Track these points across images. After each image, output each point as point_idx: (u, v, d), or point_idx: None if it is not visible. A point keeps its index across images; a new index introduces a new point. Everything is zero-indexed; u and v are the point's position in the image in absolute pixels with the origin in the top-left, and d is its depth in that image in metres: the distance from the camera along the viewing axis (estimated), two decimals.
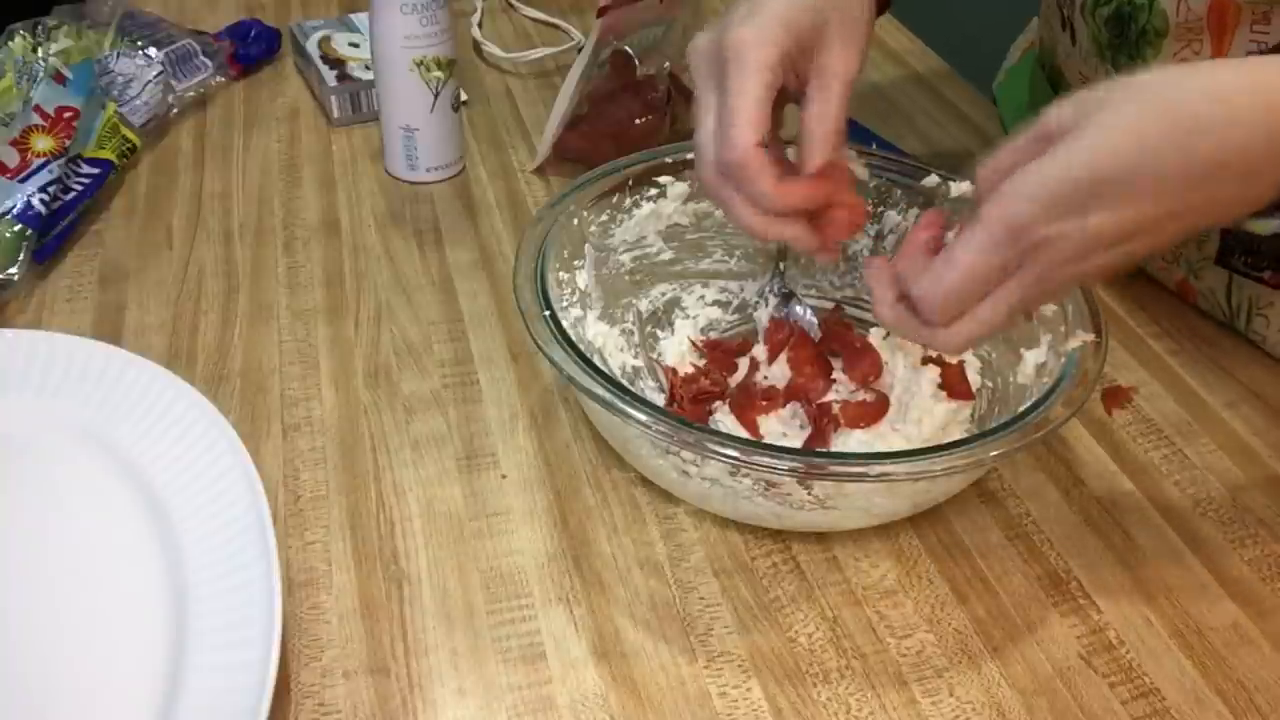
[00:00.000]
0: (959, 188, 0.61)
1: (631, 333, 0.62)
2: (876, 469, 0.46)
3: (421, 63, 0.74)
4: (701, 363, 0.61)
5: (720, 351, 0.62)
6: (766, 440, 0.55)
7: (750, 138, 0.49)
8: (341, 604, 0.50)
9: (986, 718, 0.47)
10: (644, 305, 0.64)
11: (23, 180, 0.70)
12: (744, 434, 0.55)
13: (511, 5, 1.06)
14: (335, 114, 0.85)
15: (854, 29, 0.52)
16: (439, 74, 0.75)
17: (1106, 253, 0.43)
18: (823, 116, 0.51)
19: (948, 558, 0.54)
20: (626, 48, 0.79)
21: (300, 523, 0.54)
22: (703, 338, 0.64)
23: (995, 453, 0.47)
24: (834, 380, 0.59)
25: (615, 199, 0.62)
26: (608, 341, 0.59)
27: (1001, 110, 0.87)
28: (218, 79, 0.89)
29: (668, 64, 0.81)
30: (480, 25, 1.01)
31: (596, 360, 0.53)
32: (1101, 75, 0.64)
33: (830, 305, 0.66)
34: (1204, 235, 0.66)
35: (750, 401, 0.57)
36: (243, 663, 0.44)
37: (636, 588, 0.52)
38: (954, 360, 0.58)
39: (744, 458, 0.46)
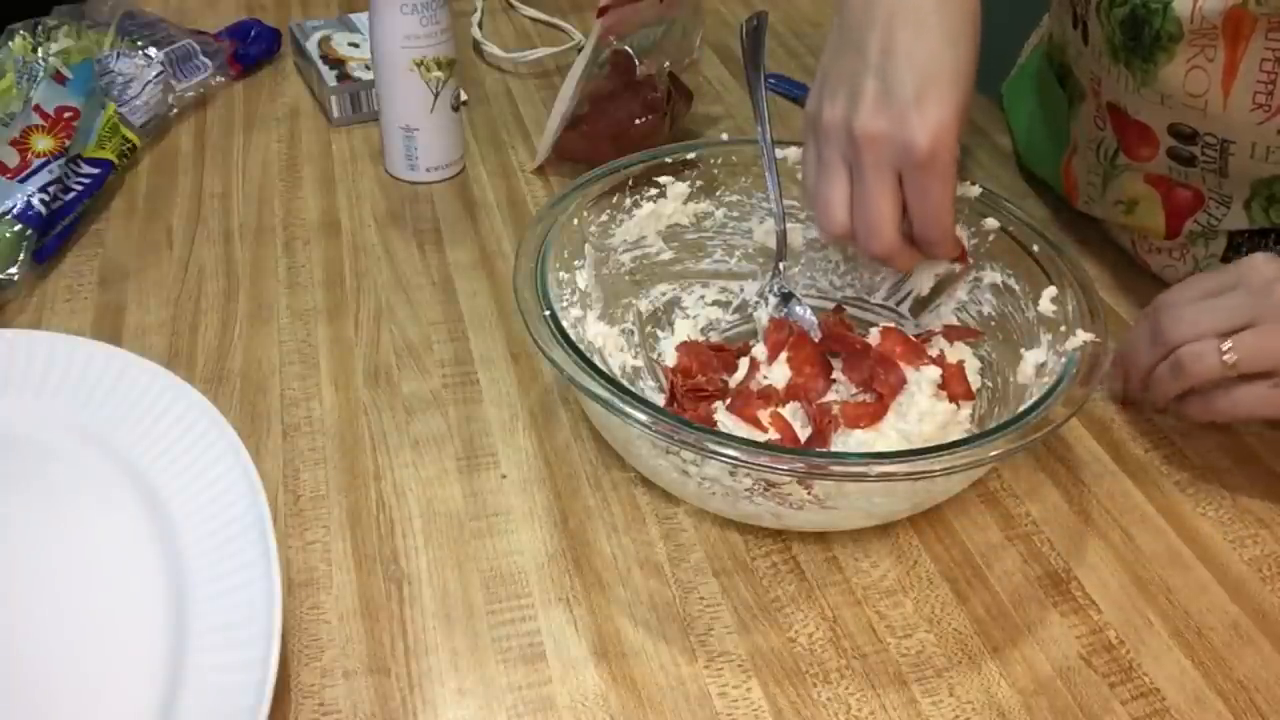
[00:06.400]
0: (960, 189, 0.61)
1: (631, 333, 0.62)
2: (876, 469, 0.46)
3: (421, 63, 0.74)
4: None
5: (715, 352, 0.62)
6: (770, 433, 0.55)
7: (895, 240, 0.55)
8: (341, 604, 0.50)
9: (986, 718, 0.47)
10: (644, 305, 0.64)
11: (23, 180, 0.70)
12: (745, 433, 0.55)
13: (511, 5, 1.06)
14: (335, 114, 0.85)
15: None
16: (439, 74, 0.75)
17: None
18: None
19: (948, 558, 0.54)
20: (626, 48, 0.79)
21: (300, 523, 0.54)
22: (702, 338, 0.64)
23: (995, 453, 0.47)
24: (834, 380, 0.59)
25: (615, 199, 0.62)
26: (608, 341, 0.59)
27: (1008, 109, 0.87)
28: (218, 79, 0.89)
29: (668, 64, 0.81)
30: (480, 25, 1.01)
31: (596, 360, 0.53)
32: (1113, 76, 0.64)
33: (830, 305, 0.66)
34: (1211, 234, 0.66)
35: (748, 402, 0.57)
36: (243, 663, 0.44)
37: (636, 588, 0.52)
38: (955, 360, 0.58)
39: (744, 458, 0.46)
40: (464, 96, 0.87)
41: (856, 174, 0.55)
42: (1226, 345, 0.52)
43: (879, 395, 0.57)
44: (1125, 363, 0.59)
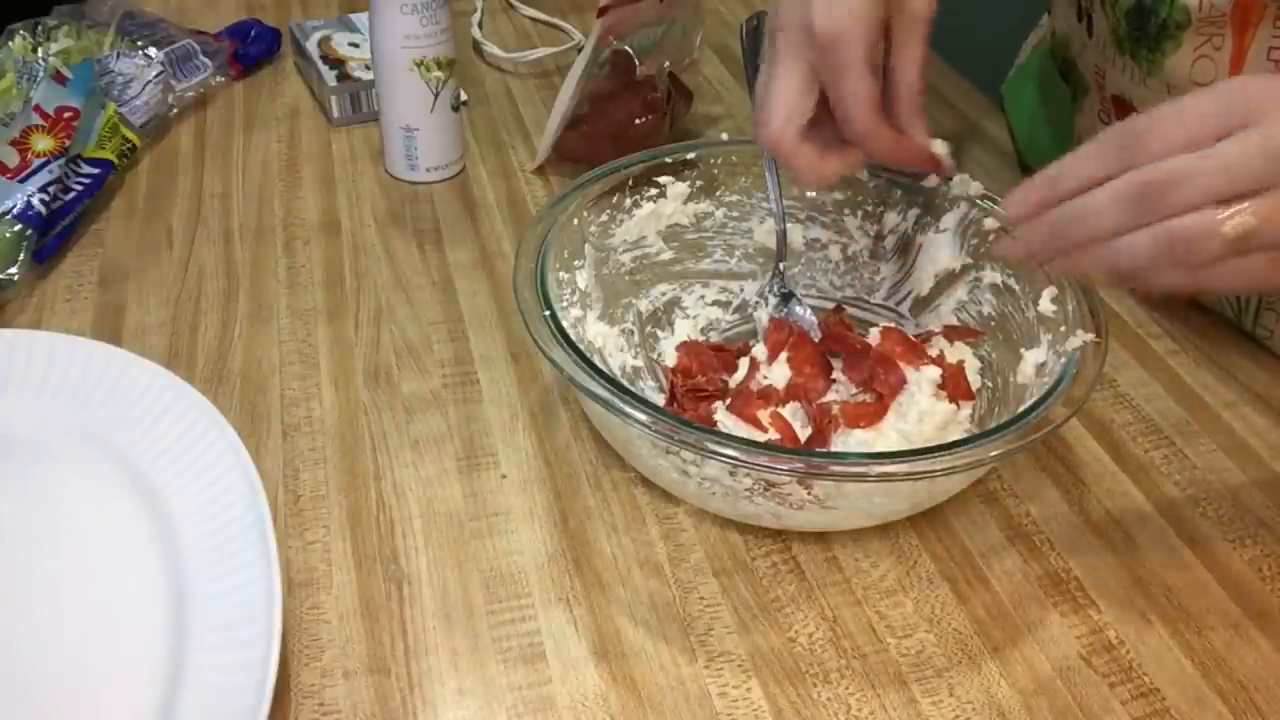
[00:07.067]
0: (959, 187, 0.61)
1: (631, 333, 0.62)
2: (876, 469, 0.46)
3: (421, 63, 0.74)
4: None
5: (715, 352, 0.62)
6: (770, 433, 0.55)
7: (778, 127, 0.52)
8: (341, 604, 0.50)
9: (986, 718, 0.47)
10: (644, 305, 0.64)
11: (23, 180, 0.70)
12: (745, 433, 0.55)
13: (511, 5, 1.06)
14: (335, 114, 0.85)
15: None
16: (439, 74, 0.75)
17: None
18: (911, 62, 0.53)
19: (948, 558, 0.54)
20: (626, 48, 0.79)
21: (300, 523, 0.54)
22: (702, 338, 0.64)
23: (995, 453, 0.47)
24: (834, 380, 0.59)
25: (615, 199, 0.62)
26: (608, 341, 0.59)
27: (1008, 109, 0.87)
28: (218, 79, 0.89)
29: (668, 64, 0.81)
30: (480, 25, 1.01)
31: (596, 360, 0.53)
32: (1118, 68, 0.64)
33: (830, 305, 0.66)
34: None
35: (748, 402, 0.57)
36: (243, 663, 0.44)
37: (636, 588, 0.52)
38: (955, 360, 0.58)
39: (744, 458, 0.46)
40: (464, 96, 0.87)
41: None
42: (1230, 213, 0.40)
43: (879, 395, 0.57)
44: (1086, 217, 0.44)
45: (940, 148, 0.57)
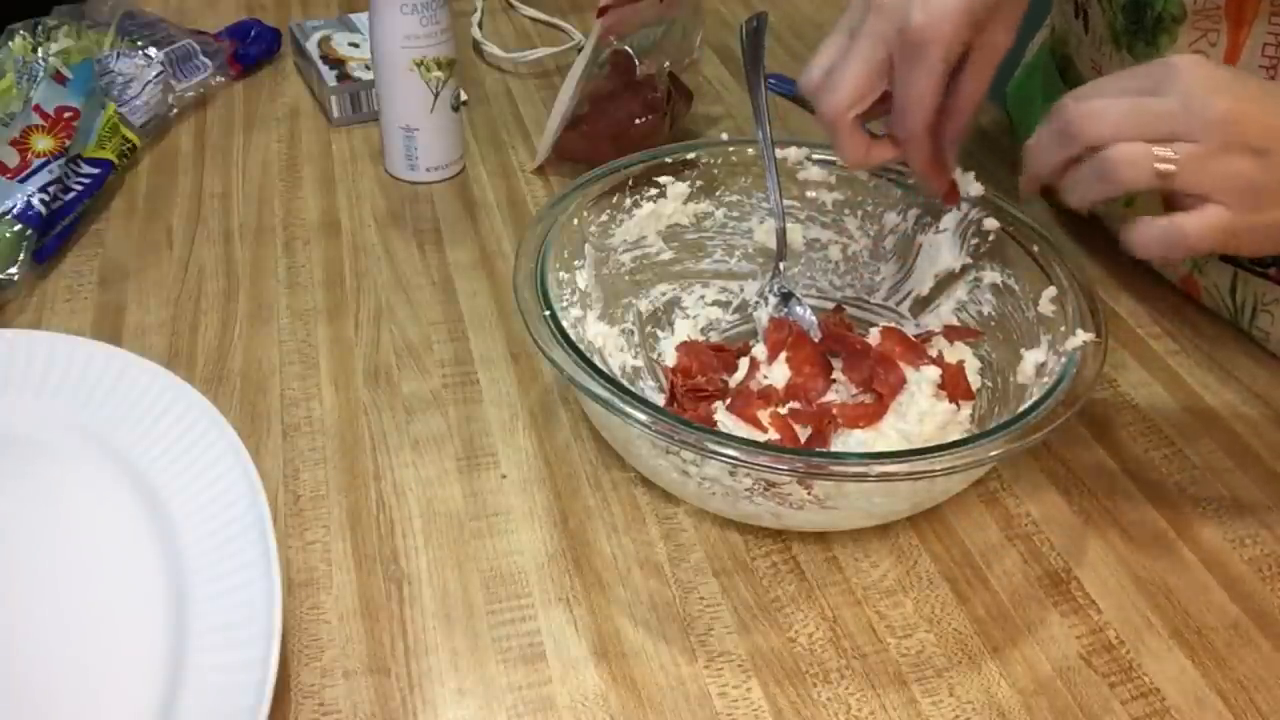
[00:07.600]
0: (960, 187, 0.61)
1: (631, 333, 0.62)
2: (876, 469, 0.46)
3: (421, 63, 0.74)
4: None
5: (715, 352, 0.62)
6: (770, 433, 0.55)
7: (844, 106, 0.53)
8: (341, 604, 0.51)
9: (986, 718, 0.47)
10: (644, 305, 0.64)
11: (23, 180, 0.70)
12: (745, 433, 0.55)
13: (511, 5, 1.06)
14: (335, 114, 0.85)
15: (1020, 4, 0.53)
16: (439, 74, 0.75)
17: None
18: (976, 89, 0.54)
19: (948, 558, 0.54)
20: (626, 48, 0.79)
21: (300, 523, 0.54)
22: (702, 338, 0.64)
23: (995, 453, 0.47)
24: (834, 380, 0.59)
25: (615, 199, 0.62)
26: (608, 341, 0.59)
27: (1011, 108, 0.87)
28: (218, 79, 0.89)
29: (668, 64, 0.81)
30: (480, 25, 1.01)
31: (596, 360, 0.53)
32: (1114, 63, 0.64)
33: (830, 305, 0.66)
34: None
35: (748, 402, 0.57)
36: (243, 663, 0.44)
37: (636, 588, 0.52)
38: (955, 360, 0.58)
39: (744, 458, 0.46)
40: (464, 96, 0.87)
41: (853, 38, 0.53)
42: (1161, 152, 0.45)
43: (879, 395, 0.57)
44: (1030, 159, 0.51)
45: (962, 181, 0.59)
